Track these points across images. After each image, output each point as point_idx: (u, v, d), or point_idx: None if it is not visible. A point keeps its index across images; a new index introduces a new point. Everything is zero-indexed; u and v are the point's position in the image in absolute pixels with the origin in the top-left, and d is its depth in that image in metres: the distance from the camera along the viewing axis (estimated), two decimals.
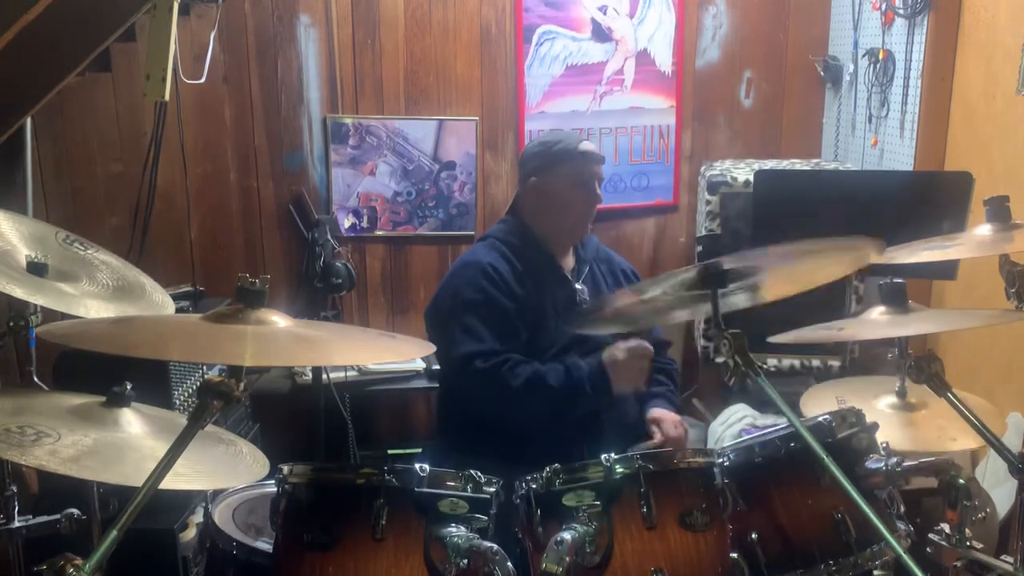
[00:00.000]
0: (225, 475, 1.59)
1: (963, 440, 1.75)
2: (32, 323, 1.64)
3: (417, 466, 1.48)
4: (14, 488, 1.65)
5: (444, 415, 2.55)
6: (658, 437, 2.26)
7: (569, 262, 2.44)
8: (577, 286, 2.38)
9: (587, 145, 2.38)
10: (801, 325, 1.76)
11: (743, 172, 3.25)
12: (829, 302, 2.46)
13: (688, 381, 3.66)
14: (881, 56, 3.21)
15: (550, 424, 2.20)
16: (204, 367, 2.58)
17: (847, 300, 2.62)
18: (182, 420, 1.57)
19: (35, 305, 1.62)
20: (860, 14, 3.37)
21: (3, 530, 1.65)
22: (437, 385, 3.13)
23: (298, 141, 3.47)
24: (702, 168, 3.48)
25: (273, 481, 1.55)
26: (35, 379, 2.71)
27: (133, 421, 1.53)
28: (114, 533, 1.09)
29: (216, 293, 3.15)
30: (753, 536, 1.57)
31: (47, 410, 1.50)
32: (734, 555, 1.53)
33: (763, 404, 3.04)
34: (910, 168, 3.05)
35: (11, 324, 1.65)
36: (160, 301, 1.76)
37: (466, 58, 3.53)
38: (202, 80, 3.22)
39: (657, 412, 2.33)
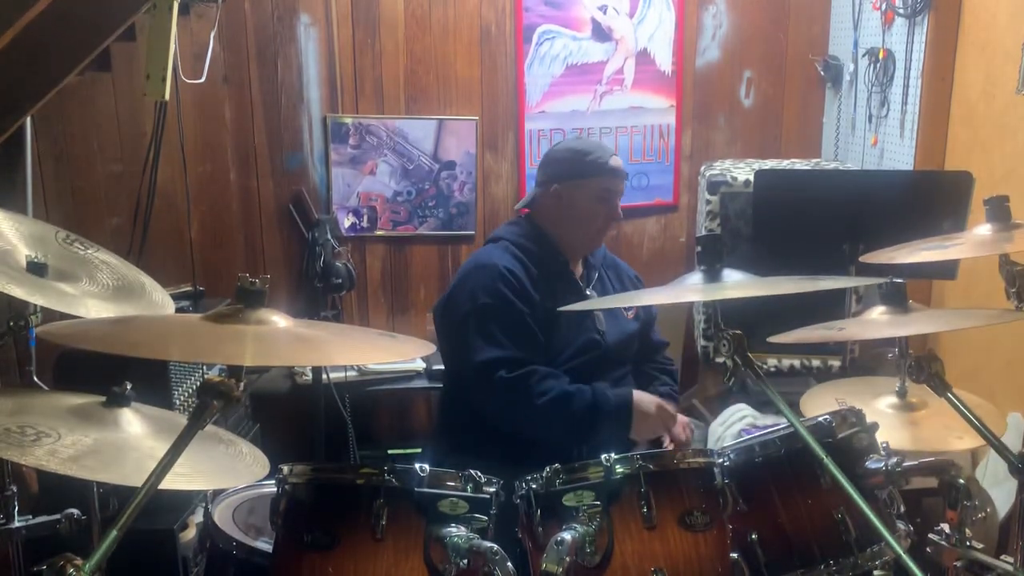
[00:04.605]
0: (225, 475, 1.59)
1: (968, 439, 1.75)
2: (32, 323, 1.64)
3: (417, 466, 1.48)
4: (14, 488, 1.65)
5: (446, 415, 2.55)
6: (668, 443, 2.27)
7: (579, 268, 2.44)
8: (588, 292, 2.38)
9: (616, 161, 2.37)
10: (801, 325, 1.76)
11: (743, 172, 3.25)
12: (829, 302, 2.46)
13: (688, 381, 3.66)
14: (881, 56, 3.21)
15: (559, 438, 2.21)
16: (204, 367, 2.58)
17: (847, 300, 2.62)
18: (182, 420, 1.57)
19: (35, 305, 1.61)
20: (860, 14, 3.37)
21: (3, 530, 1.64)
22: (437, 385, 3.15)
23: (298, 141, 3.47)
24: (702, 168, 3.48)
25: (273, 481, 1.55)
26: (35, 379, 2.71)
27: (133, 421, 1.53)
28: (114, 533, 1.09)
29: (216, 293, 3.15)
30: (753, 536, 1.57)
31: (47, 410, 1.50)
32: (734, 555, 1.54)
33: (763, 404, 3.04)
34: (910, 168, 3.05)
35: (11, 324, 1.64)
36: (160, 301, 1.76)
37: (466, 58, 3.53)
38: (202, 80, 3.22)
39: None
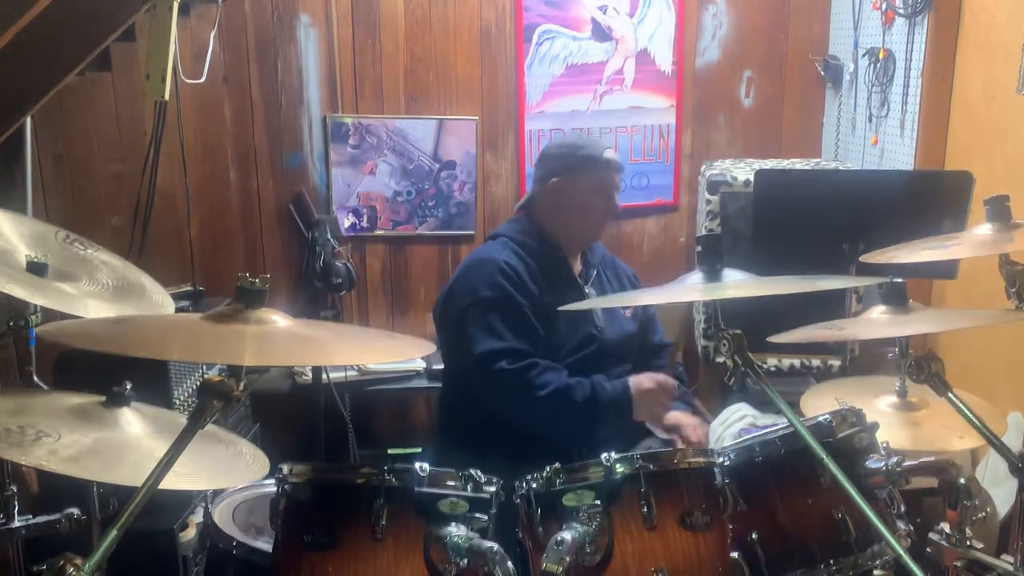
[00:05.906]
0: (225, 475, 1.59)
1: (968, 439, 1.75)
2: (32, 323, 1.64)
3: (417, 466, 1.48)
4: (14, 488, 1.65)
5: (446, 413, 2.55)
6: (680, 445, 2.27)
7: (577, 265, 2.44)
8: (587, 290, 2.39)
9: (611, 153, 2.38)
10: (801, 325, 1.76)
11: (743, 172, 3.25)
12: (829, 302, 2.46)
13: (688, 381, 3.66)
14: (881, 56, 3.21)
15: (560, 432, 2.21)
16: (204, 367, 2.58)
17: (847, 300, 2.62)
18: (182, 420, 1.57)
19: (35, 305, 1.62)
20: (860, 13, 3.37)
21: (3, 530, 1.64)
22: (437, 385, 3.14)
23: (298, 141, 3.47)
24: (702, 168, 3.48)
25: (273, 481, 1.55)
26: (35, 379, 2.71)
27: (133, 421, 1.53)
28: (114, 533, 1.09)
29: (216, 293, 3.16)
30: (753, 536, 1.57)
31: (47, 410, 1.50)
32: (734, 555, 1.53)
33: (763, 404, 3.03)
34: (910, 168, 3.05)
35: (11, 324, 1.65)
36: (160, 301, 1.76)
37: (466, 57, 3.53)
38: (202, 80, 3.22)
39: (676, 416, 2.34)
